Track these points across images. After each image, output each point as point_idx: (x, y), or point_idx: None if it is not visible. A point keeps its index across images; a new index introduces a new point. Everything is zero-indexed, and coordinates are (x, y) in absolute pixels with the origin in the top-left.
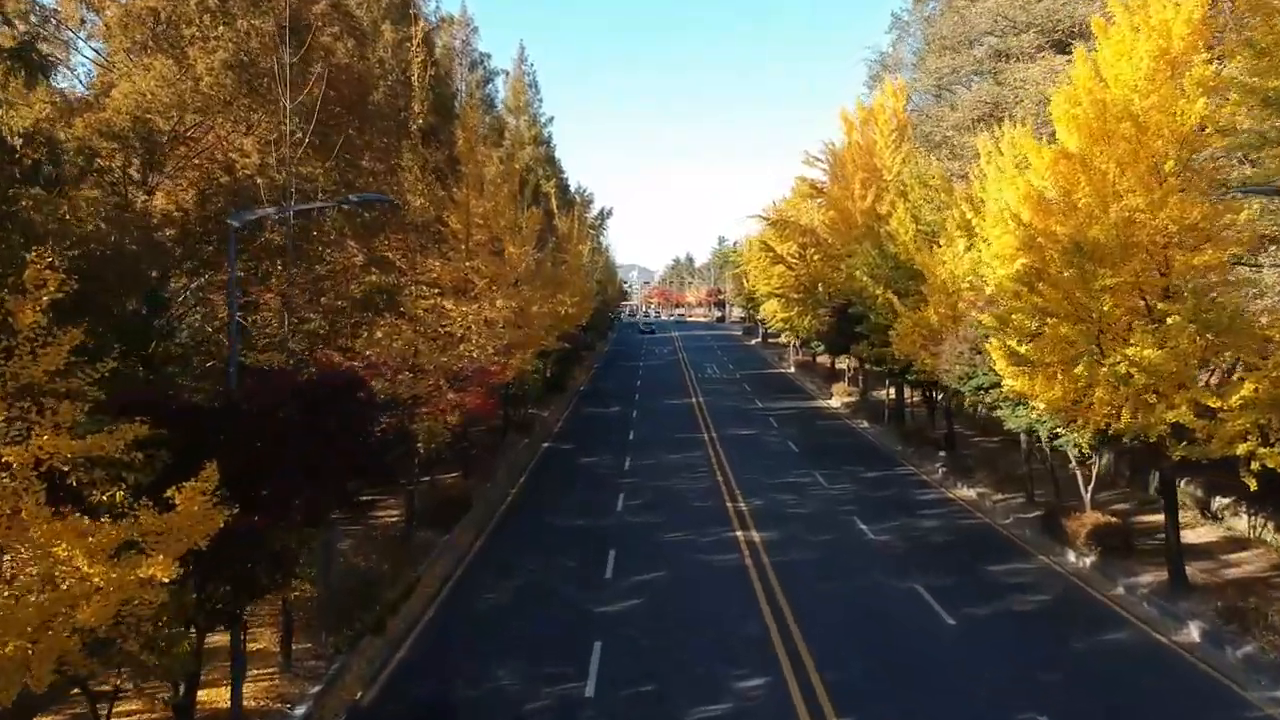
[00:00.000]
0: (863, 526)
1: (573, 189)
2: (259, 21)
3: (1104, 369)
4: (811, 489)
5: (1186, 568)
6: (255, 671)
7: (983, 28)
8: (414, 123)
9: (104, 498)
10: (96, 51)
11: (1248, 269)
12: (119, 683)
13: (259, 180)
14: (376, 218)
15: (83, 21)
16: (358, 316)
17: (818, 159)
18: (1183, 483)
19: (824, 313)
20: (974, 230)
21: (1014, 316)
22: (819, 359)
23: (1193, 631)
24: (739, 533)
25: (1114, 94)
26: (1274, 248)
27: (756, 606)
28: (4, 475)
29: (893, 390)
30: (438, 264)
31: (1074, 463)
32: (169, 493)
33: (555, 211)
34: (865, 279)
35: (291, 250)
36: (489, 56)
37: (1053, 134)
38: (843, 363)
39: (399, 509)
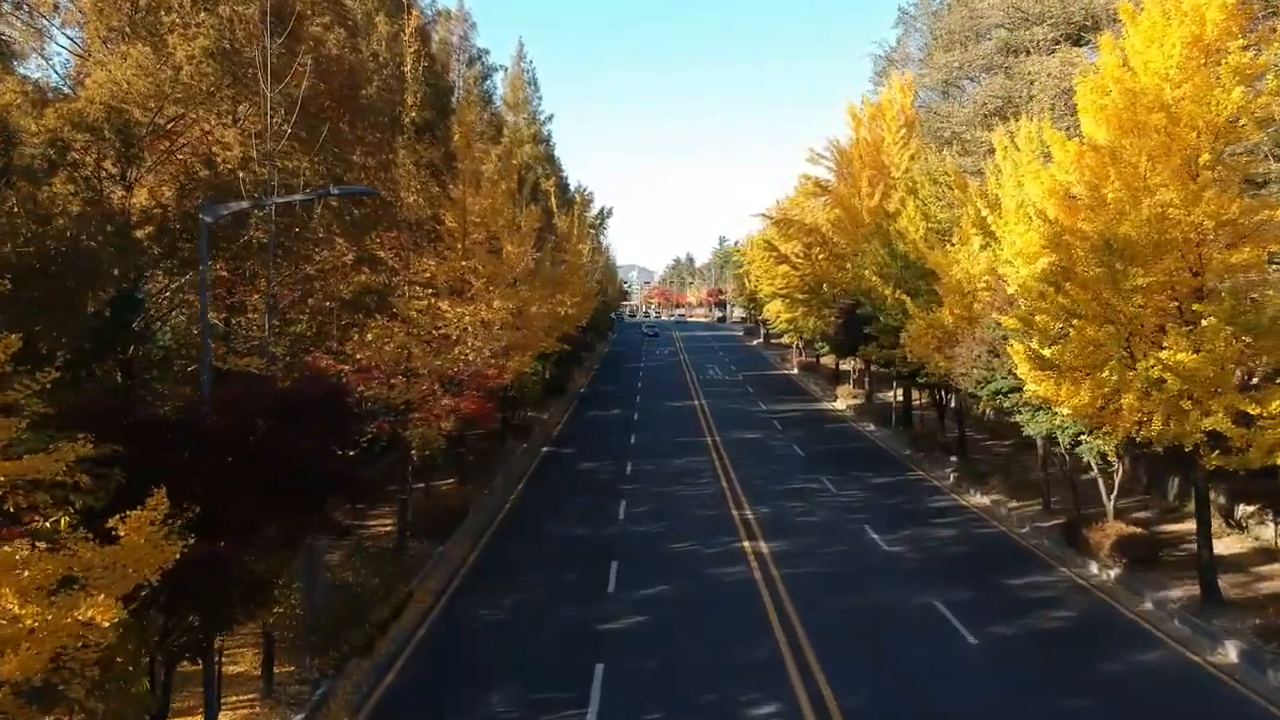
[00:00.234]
0: (874, 536)
1: (572, 188)
2: (243, 7)
3: (1134, 373)
4: (820, 495)
5: (1218, 581)
6: (234, 698)
7: (993, 20)
8: (407, 116)
9: (46, 524)
10: (72, 39)
11: None
12: None
13: (241, 175)
14: (367, 214)
15: (55, 6)
16: (347, 318)
17: (823, 156)
18: (1195, 487)
19: (829, 313)
20: (990, 228)
21: (1038, 318)
22: (822, 360)
23: (1230, 652)
24: (746, 543)
25: (1144, 83)
26: None
27: (767, 625)
28: None
29: (900, 393)
30: (433, 263)
31: (1095, 470)
32: (111, 522)
33: (555, 210)
34: (874, 279)
35: (273, 248)
36: (487, 52)
37: (1069, 128)
38: (847, 364)
39: (392, 518)
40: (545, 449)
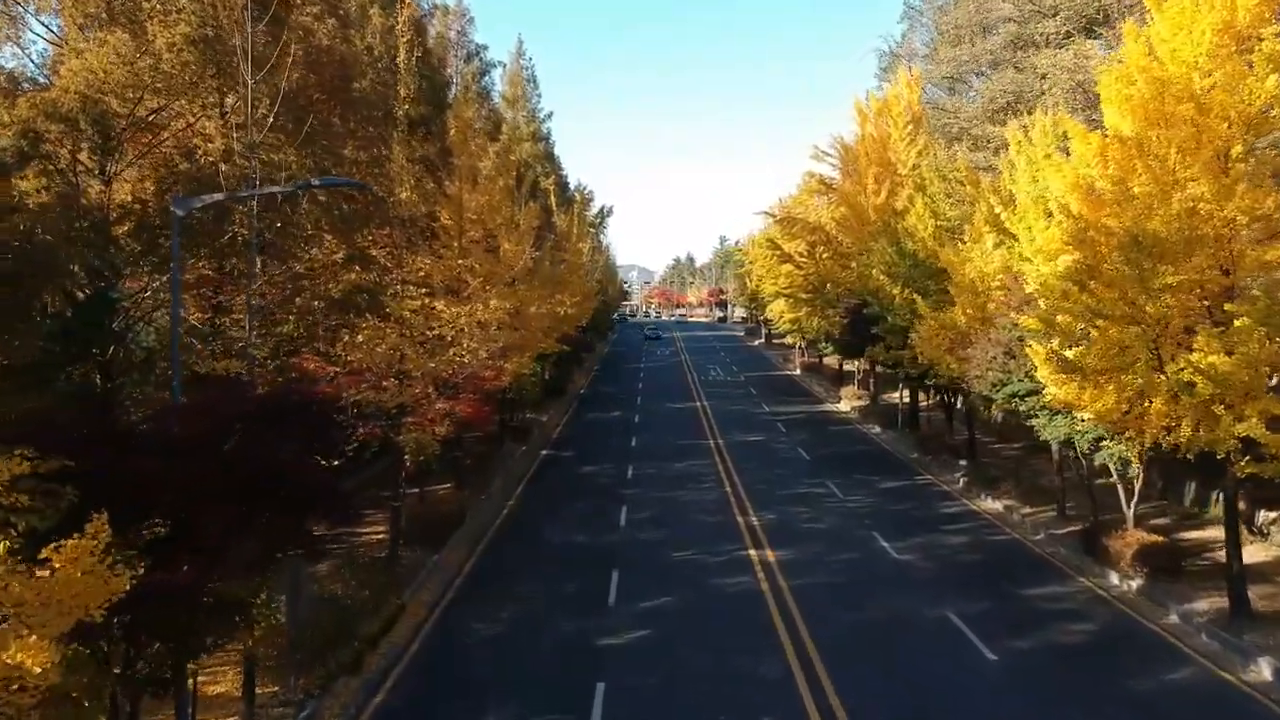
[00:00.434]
0: (884, 544)
1: (572, 186)
2: None
3: (1162, 377)
4: (826, 501)
5: (1247, 593)
6: None
7: (1003, 14)
8: (400, 108)
9: None
10: (47, 26)
11: None
12: None
13: (224, 168)
14: (357, 210)
15: None
16: (337, 318)
17: (827, 154)
18: (1224, 495)
19: (834, 313)
20: (1004, 225)
21: (1059, 318)
22: (825, 360)
23: (1264, 669)
24: (752, 551)
25: (1171, 72)
26: None
27: (776, 640)
28: None
29: (906, 394)
30: (428, 262)
31: (1114, 476)
32: (45, 552)
33: (554, 209)
34: (882, 278)
35: (255, 245)
36: (485, 48)
37: (1083, 122)
38: (851, 365)
39: (385, 525)
40: (544, 452)
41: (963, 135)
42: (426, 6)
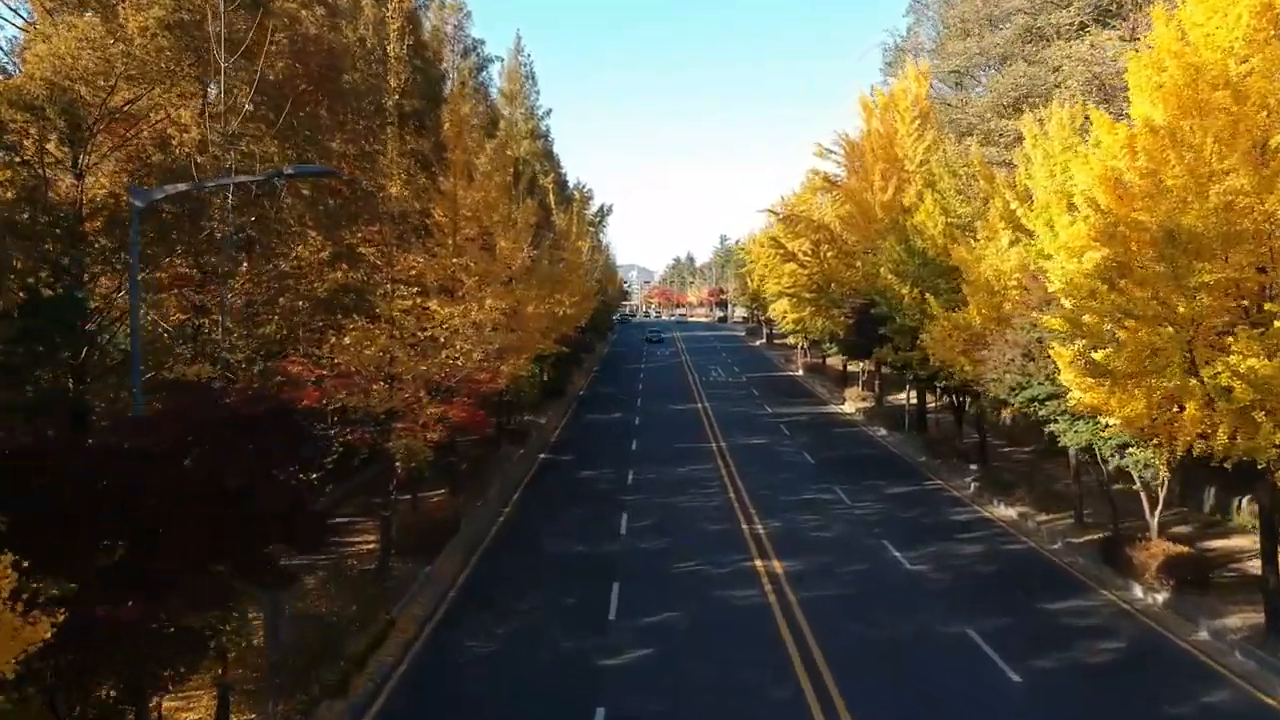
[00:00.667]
0: (896, 554)
1: (571, 185)
2: None
3: (1196, 381)
4: (834, 507)
5: None
6: None
7: (1013, 6)
8: (389, 99)
9: None
10: (15, 11)
11: None
12: None
13: (200, 159)
14: (344, 206)
15: None
16: (323, 319)
17: (831, 151)
18: (1245, 500)
19: (839, 313)
20: (1020, 222)
21: (1086, 318)
22: (829, 361)
23: None
24: (758, 562)
25: (1205, 58)
26: None
27: (786, 660)
28: None
29: (913, 396)
30: (421, 260)
31: (1138, 484)
32: None
33: (553, 207)
34: (890, 277)
35: (230, 241)
36: (482, 43)
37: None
38: (854, 365)
39: (376, 534)
40: (543, 455)
41: (973, 130)
42: None
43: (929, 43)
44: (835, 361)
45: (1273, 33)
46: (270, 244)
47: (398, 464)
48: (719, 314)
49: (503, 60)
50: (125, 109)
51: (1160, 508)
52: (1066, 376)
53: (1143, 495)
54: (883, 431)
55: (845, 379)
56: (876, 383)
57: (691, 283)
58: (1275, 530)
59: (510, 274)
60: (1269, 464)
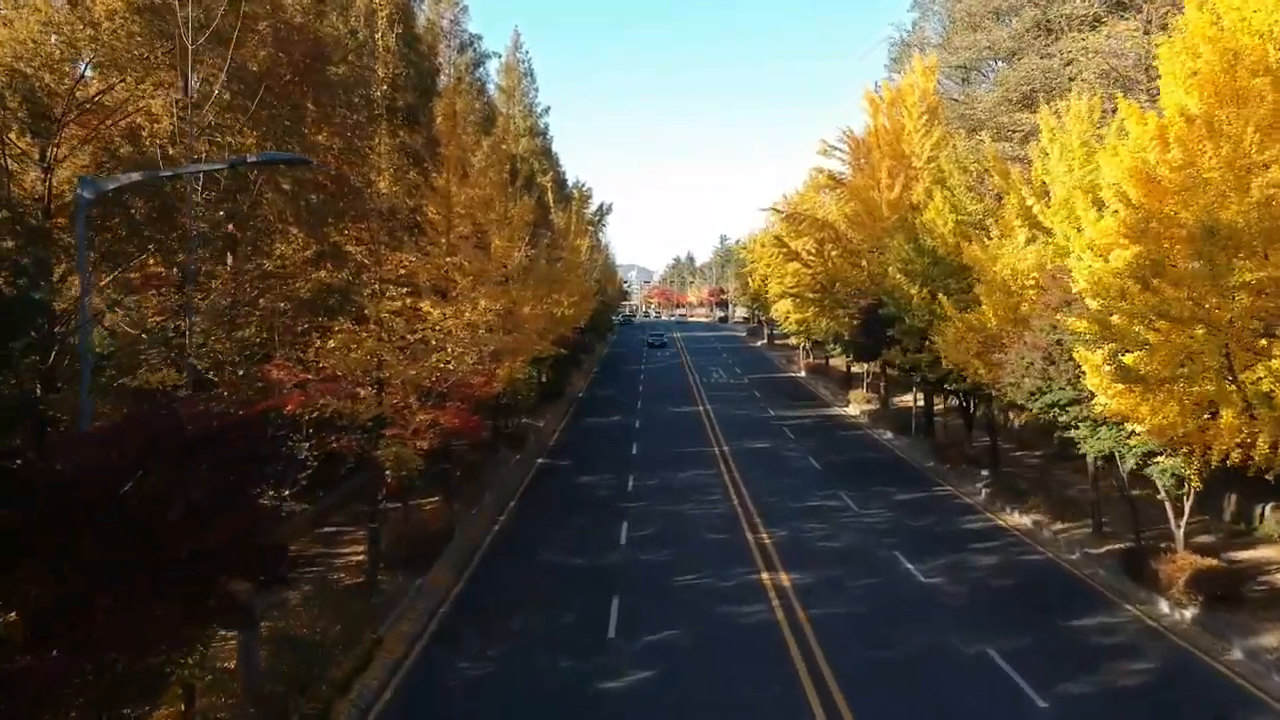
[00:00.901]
0: (909, 566)
1: (571, 184)
2: None
3: (1235, 387)
4: (841, 515)
5: None
6: None
7: None
8: (378, 90)
9: None
10: None
11: None
12: None
13: (171, 151)
14: (329, 201)
15: None
16: (308, 320)
17: (835, 148)
18: (1269, 508)
19: (844, 314)
20: (1037, 219)
21: (1115, 320)
22: (832, 362)
23: None
24: (765, 574)
25: (1243, 43)
26: None
27: (796, 683)
28: None
29: (920, 398)
30: (412, 259)
31: (1163, 493)
32: None
33: (552, 206)
34: (898, 276)
35: (198, 238)
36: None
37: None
38: (858, 367)
39: (366, 544)
40: (540, 460)
41: (983, 126)
42: None
43: (935, 37)
44: (838, 363)
45: None
46: (251, 241)
47: (387, 472)
48: (719, 314)
49: (500, 56)
50: (97, 99)
51: (1186, 518)
52: (1093, 381)
53: (1167, 505)
54: (888, 435)
55: (849, 380)
56: (881, 385)
57: (691, 283)
58: None
59: (506, 273)
60: None
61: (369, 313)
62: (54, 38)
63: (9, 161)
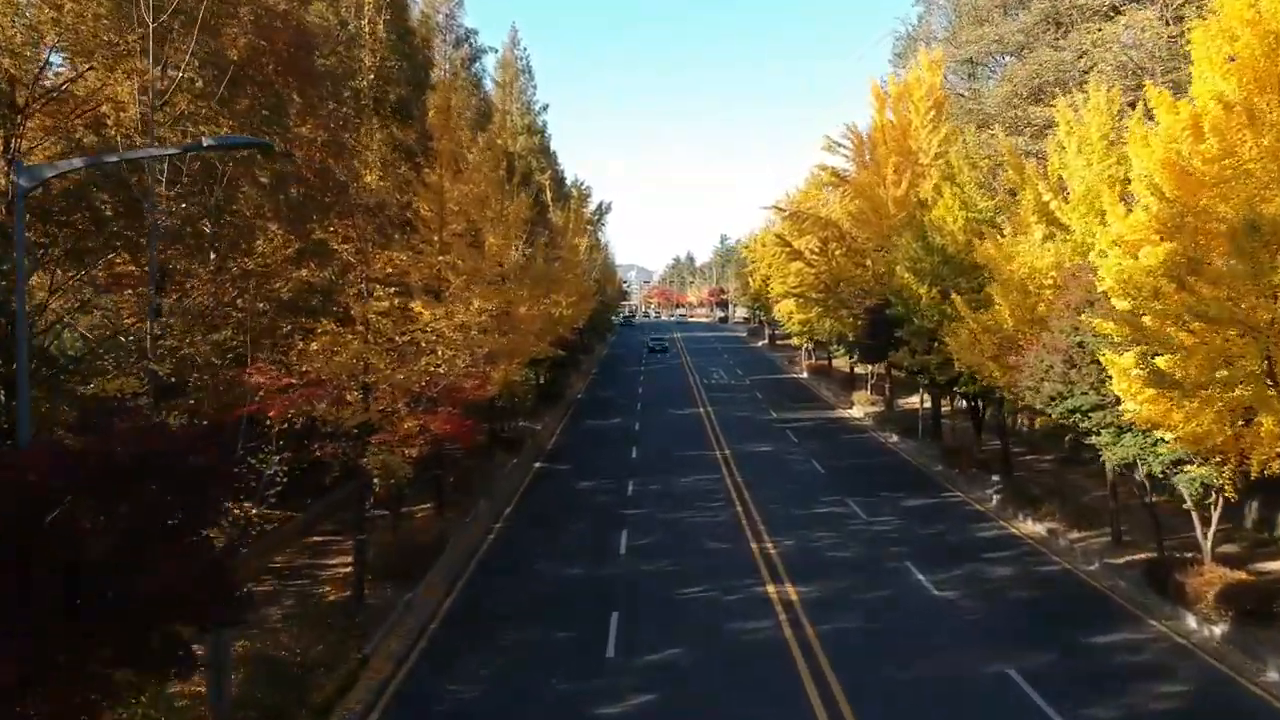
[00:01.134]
0: (920, 577)
1: (570, 183)
2: None
3: (1276, 392)
4: (849, 523)
5: None
6: None
7: None
8: (364, 79)
9: None
10: None
11: None
12: None
13: (140, 141)
14: (310, 196)
15: None
16: (289, 322)
17: (839, 144)
18: None
19: (848, 314)
20: (1055, 216)
21: (1147, 320)
22: (834, 363)
23: None
24: (771, 587)
25: None
26: None
27: (808, 707)
28: None
29: (926, 400)
30: (404, 257)
31: (1189, 503)
32: None
33: (550, 204)
34: (907, 275)
35: (154, 232)
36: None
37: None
38: (862, 368)
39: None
40: (538, 464)
41: (993, 121)
42: None
43: (941, 31)
44: (841, 363)
45: None
46: (229, 239)
47: (375, 481)
48: (719, 314)
49: (497, 51)
50: (65, 87)
51: (1214, 529)
52: (1120, 386)
53: (1193, 514)
54: (894, 438)
55: (852, 382)
56: (886, 386)
57: (691, 282)
58: None
59: (502, 272)
60: None
61: (355, 314)
62: (14, 20)
63: None
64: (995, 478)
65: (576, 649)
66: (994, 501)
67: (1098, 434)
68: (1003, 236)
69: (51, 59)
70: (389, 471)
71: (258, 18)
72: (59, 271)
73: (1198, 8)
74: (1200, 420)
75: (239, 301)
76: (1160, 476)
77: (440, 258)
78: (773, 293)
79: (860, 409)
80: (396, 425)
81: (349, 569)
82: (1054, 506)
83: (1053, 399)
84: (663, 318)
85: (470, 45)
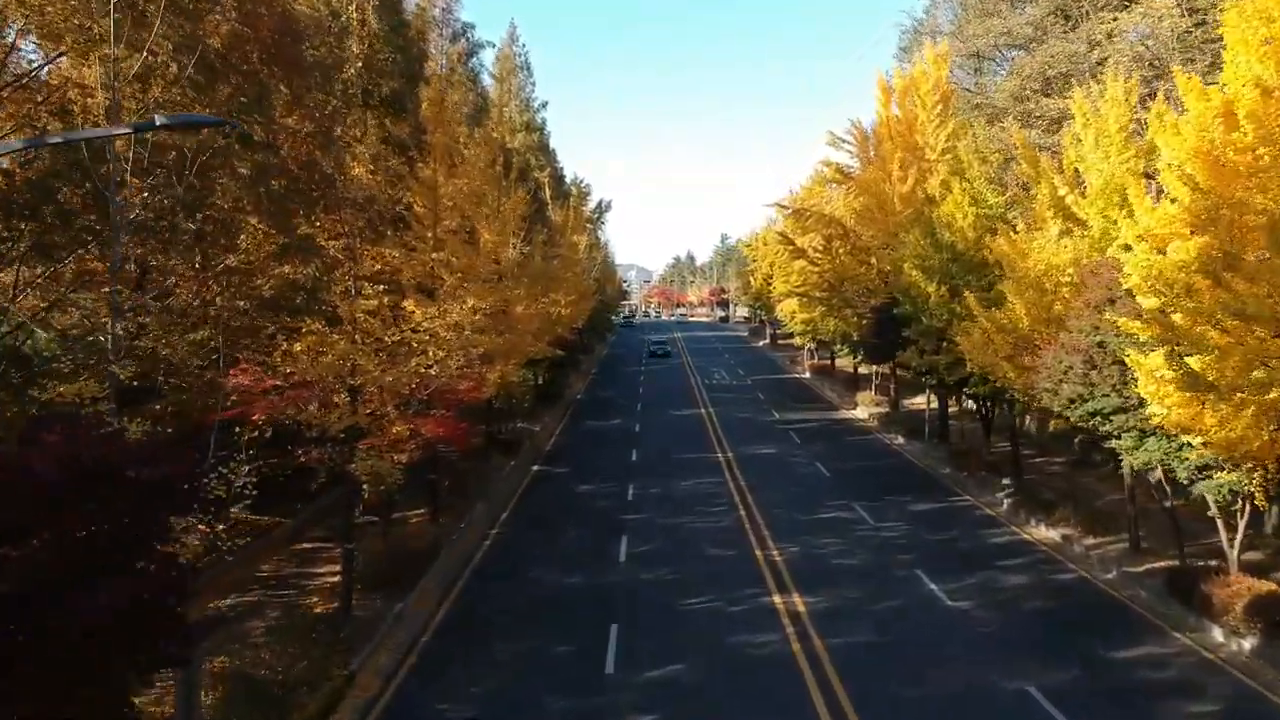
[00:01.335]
0: (932, 587)
1: (569, 181)
2: None
3: None
4: (856, 528)
5: None
6: None
7: None
8: (351, 66)
9: None
10: None
11: None
12: None
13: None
14: (292, 188)
15: None
16: (273, 322)
17: (844, 140)
18: None
19: (852, 313)
20: (1071, 210)
21: (1178, 319)
22: (838, 363)
23: None
24: (777, 598)
25: None
26: None
27: None
28: None
29: (933, 400)
30: (396, 254)
31: (1214, 509)
32: None
33: (549, 201)
34: (915, 273)
35: (119, 225)
36: (473, 27)
37: (1151, 95)
38: (865, 367)
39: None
40: (536, 467)
41: (1003, 114)
42: None
43: (947, 25)
44: (844, 363)
45: None
46: (208, 235)
47: (364, 487)
48: (720, 314)
49: (495, 46)
50: (34, 74)
51: (1240, 537)
52: (1146, 389)
53: (1218, 521)
54: (900, 440)
55: (856, 382)
56: (891, 386)
57: (692, 282)
58: None
59: (498, 270)
60: None
61: (342, 313)
62: None
63: None
64: (1006, 481)
65: (574, 663)
66: (1005, 506)
67: (1118, 438)
68: (1016, 232)
69: (20, 45)
70: (378, 477)
71: (241, 4)
72: (24, 268)
73: None
74: (1234, 424)
75: (218, 300)
76: (1185, 482)
77: (434, 255)
78: (775, 292)
79: (864, 410)
80: (385, 429)
81: (338, 578)
82: (1067, 511)
83: (1072, 401)
84: (663, 317)
85: (467, 40)
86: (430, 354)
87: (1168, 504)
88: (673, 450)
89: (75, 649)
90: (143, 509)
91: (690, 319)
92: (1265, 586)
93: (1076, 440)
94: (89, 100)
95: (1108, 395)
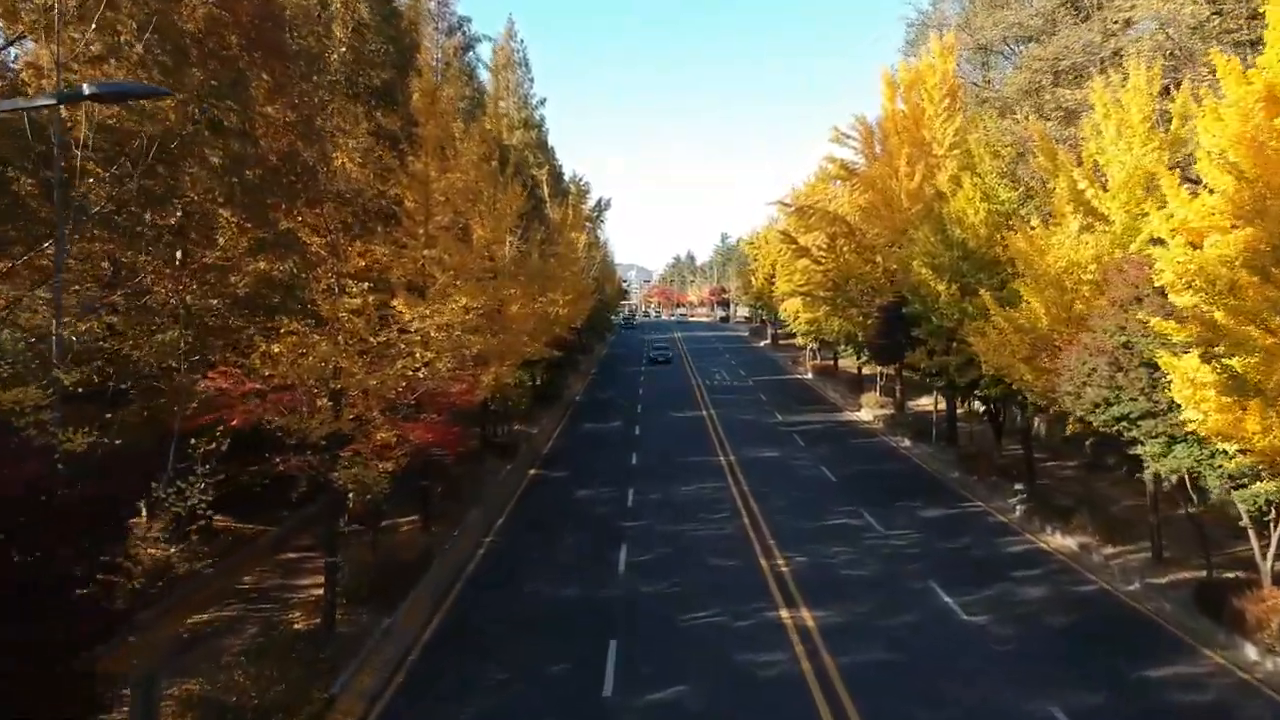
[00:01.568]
0: (947, 599)
1: (568, 178)
2: None
3: None
4: (865, 536)
5: None
6: None
7: None
8: (334, 51)
9: None
10: None
11: None
12: None
13: (65, 113)
14: (268, 179)
15: None
16: (254, 322)
17: (848, 136)
18: None
19: (857, 313)
20: (1092, 205)
21: (1218, 317)
22: (841, 363)
23: None
24: (784, 612)
25: None
26: None
27: None
28: None
29: (940, 402)
30: (386, 250)
31: (1246, 519)
32: None
33: (547, 199)
34: (924, 271)
35: (64, 214)
36: (469, 20)
37: (1175, 84)
38: (869, 368)
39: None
40: (533, 471)
41: (1014, 107)
42: None
43: (954, 19)
44: (847, 364)
45: None
46: (177, 229)
47: (349, 497)
48: (721, 314)
49: (492, 40)
50: None
51: (1274, 547)
52: (1182, 393)
53: (1251, 533)
54: (906, 442)
55: (860, 383)
56: (897, 388)
57: (692, 281)
58: None
59: (493, 268)
60: None
61: (325, 312)
62: None
63: None
64: (1018, 486)
65: (572, 685)
66: (1018, 512)
67: (1143, 444)
68: (1032, 229)
69: None
70: (364, 486)
71: None
72: None
73: None
74: (1277, 432)
75: (188, 299)
76: (1215, 491)
77: (425, 252)
78: (777, 291)
79: (869, 411)
80: (370, 435)
81: (322, 591)
82: (1084, 518)
83: (1097, 406)
84: (663, 317)
85: (464, 34)
86: (419, 355)
87: (1191, 511)
88: (674, 453)
89: None
90: (61, 539)
91: (690, 319)
92: None
93: (1088, 444)
94: (43, 83)
95: (1135, 399)
